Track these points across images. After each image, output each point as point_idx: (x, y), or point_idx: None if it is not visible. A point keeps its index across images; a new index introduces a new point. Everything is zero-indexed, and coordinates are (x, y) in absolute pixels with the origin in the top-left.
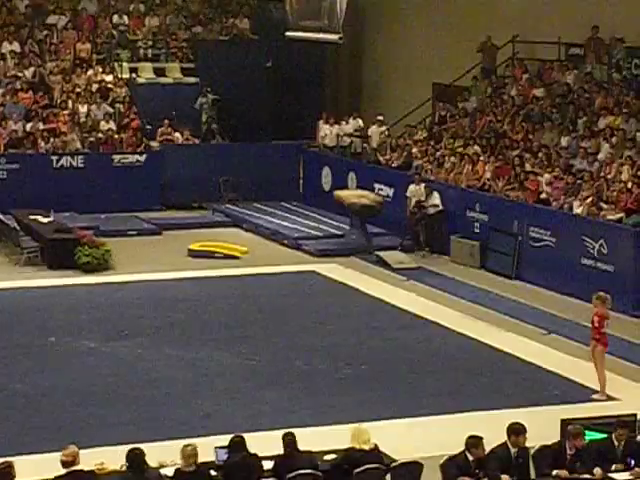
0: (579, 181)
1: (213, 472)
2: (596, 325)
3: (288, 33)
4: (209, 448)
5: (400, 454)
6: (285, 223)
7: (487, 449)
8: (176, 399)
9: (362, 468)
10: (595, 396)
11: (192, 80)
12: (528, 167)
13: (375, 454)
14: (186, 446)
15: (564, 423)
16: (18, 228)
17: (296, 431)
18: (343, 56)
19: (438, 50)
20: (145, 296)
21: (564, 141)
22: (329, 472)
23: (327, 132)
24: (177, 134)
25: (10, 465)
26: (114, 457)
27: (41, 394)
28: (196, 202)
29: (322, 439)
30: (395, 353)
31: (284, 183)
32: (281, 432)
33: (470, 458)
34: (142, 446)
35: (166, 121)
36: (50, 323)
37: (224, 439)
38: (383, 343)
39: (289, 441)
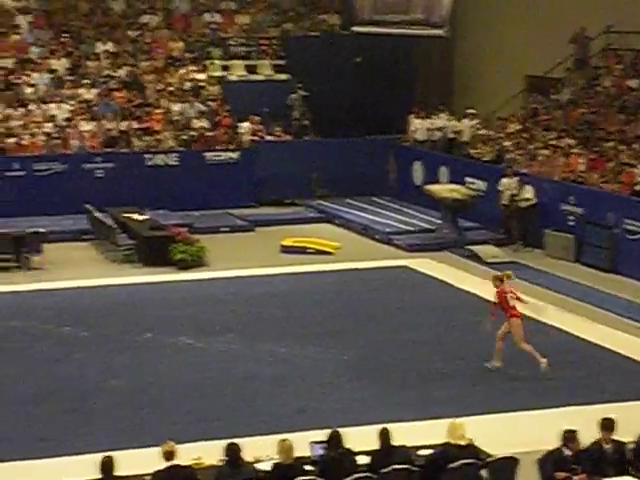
0: None
1: (309, 467)
2: (505, 303)
3: (355, 28)
4: (303, 443)
5: (495, 449)
6: (377, 218)
7: (582, 444)
8: (270, 394)
9: (457, 463)
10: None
11: (283, 77)
12: (623, 159)
13: (470, 449)
14: (283, 440)
15: None
16: (114, 226)
17: (390, 426)
18: (434, 50)
19: (531, 42)
20: (238, 292)
21: None
22: (424, 467)
23: (418, 126)
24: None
25: (111, 459)
26: (211, 452)
27: (138, 390)
28: (288, 198)
29: (416, 434)
30: (488, 348)
31: (375, 178)
32: (375, 427)
33: (566, 453)
34: (237, 441)
35: (257, 118)
36: (146, 319)
37: (318, 434)
38: (474, 337)
39: (385, 436)
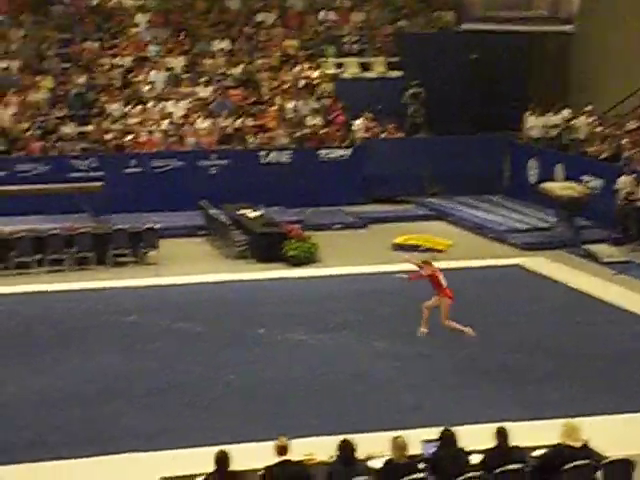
0: None
1: (421, 465)
2: (438, 284)
3: (464, 26)
4: (416, 441)
5: (611, 451)
6: (490, 216)
7: None
8: (382, 391)
9: (572, 465)
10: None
11: (397, 74)
12: None
13: (585, 451)
14: (397, 438)
15: None
16: (228, 222)
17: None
18: (550, 46)
19: None
20: (351, 289)
21: None
22: (538, 468)
23: (533, 124)
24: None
25: (225, 453)
26: (323, 448)
27: (252, 385)
28: (400, 195)
29: (529, 434)
30: (601, 348)
31: (489, 176)
32: (487, 426)
33: None
34: (350, 437)
35: (370, 115)
36: (259, 315)
37: (431, 432)
38: (590, 338)
39: (502, 435)
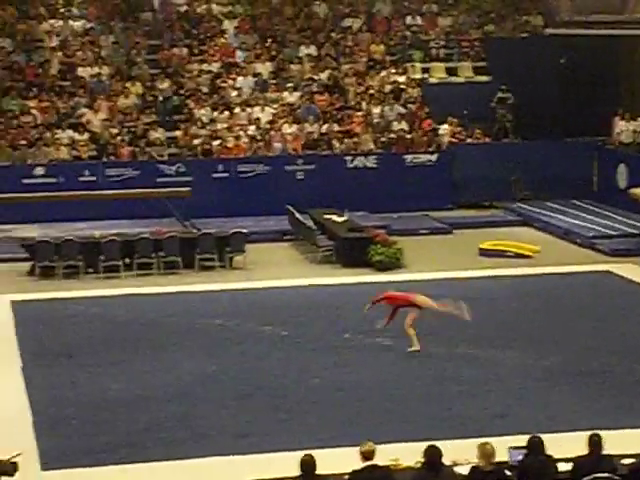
0: None
1: (508, 472)
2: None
3: (549, 30)
4: (502, 448)
5: None
6: (578, 222)
7: None
8: (468, 397)
9: None
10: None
11: (484, 79)
12: None
13: None
14: (486, 444)
15: None
16: (314, 227)
17: (590, 434)
18: None
19: None
20: (436, 294)
21: None
22: (627, 477)
23: (623, 128)
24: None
25: (311, 458)
26: (408, 453)
27: (337, 389)
28: (487, 201)
29: (619, 442)
30: None
31: (577, 181)
32: (576, 434)
33: None
34: (434, 443)
35: (455, 120)
36: (344, 320)
37: (517, 439)
38: None
39: (595, 443)
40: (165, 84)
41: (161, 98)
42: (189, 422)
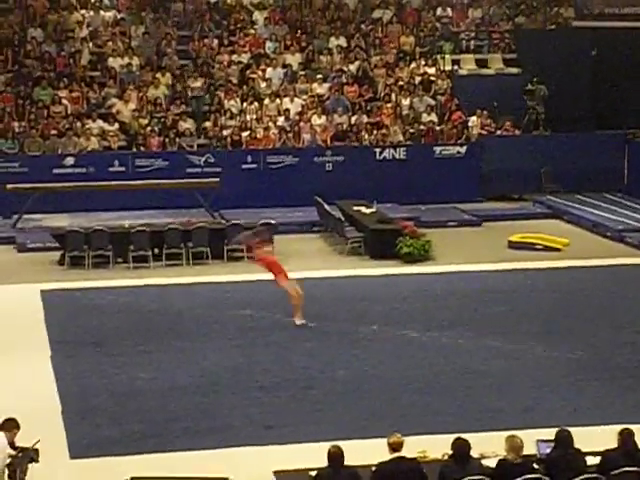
0: None
1: (535, 465)
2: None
3: (576, 23)
4: (529, 441)
5: None
6: (608, 215)
7: None
8: (496, 390)
9: None
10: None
11: (514, 71)
12: None
13: None
14: (514, 437)
15: None
16: (342, 219)
17: (618, 428)
18: None
19: None
20: (464, 287)
21: None
22: None
23: None
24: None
25: (339, 449)
26: (435, 445)
27: (364, 381)
28: (516, 193)
29: None
30: None
31: (607, 174)
32: (602, 428)
33: None
34: (462, 436)
35: (485, 112)
36: (372, 312)
37: (545, 432)
38: None
39: (627, 437)
40: (197, 83)
41: (190, 95)
42: (216, 412)
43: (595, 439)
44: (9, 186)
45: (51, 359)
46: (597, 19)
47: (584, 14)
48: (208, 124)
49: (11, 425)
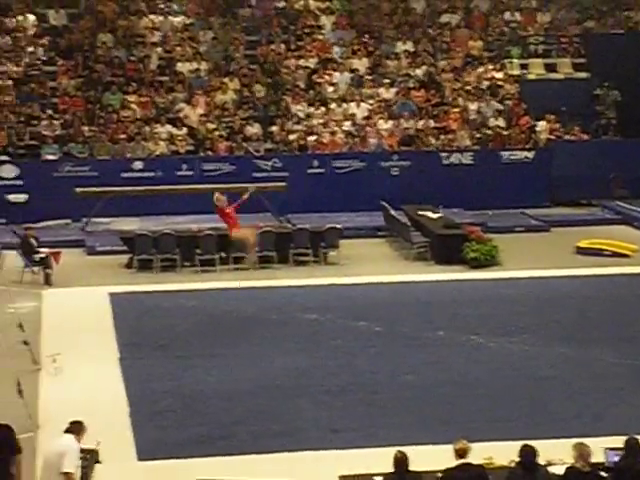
0: None
1: (603, 474)
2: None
3: None
4: (597, 449)
5: None
6: None
7: None
8: (563, 397)
9: None
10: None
11: (583, 75)
12: None
13: None
14: (582, 445)
15: None
16: (408, 223)
17: None
18: None
19: None
20: (531, 293)
21: None
22: None
23: None
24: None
25: (405, 455)
26: (502, 452)
27: (431, 386)
28: (585, 199)
29: None
30: None
31: None
32: None
33: None
34: (529, 443)
35: (553, 117)
36: (438, 317)
37: (614, 440)
38: None
39: None
40: (263, 92)
41: (259, 104)
42: (282, 416)
43: None
44: (79, 190)
45: (120, 361)
46: None
47: None
48: (275, 129)
49: (79, 428)
